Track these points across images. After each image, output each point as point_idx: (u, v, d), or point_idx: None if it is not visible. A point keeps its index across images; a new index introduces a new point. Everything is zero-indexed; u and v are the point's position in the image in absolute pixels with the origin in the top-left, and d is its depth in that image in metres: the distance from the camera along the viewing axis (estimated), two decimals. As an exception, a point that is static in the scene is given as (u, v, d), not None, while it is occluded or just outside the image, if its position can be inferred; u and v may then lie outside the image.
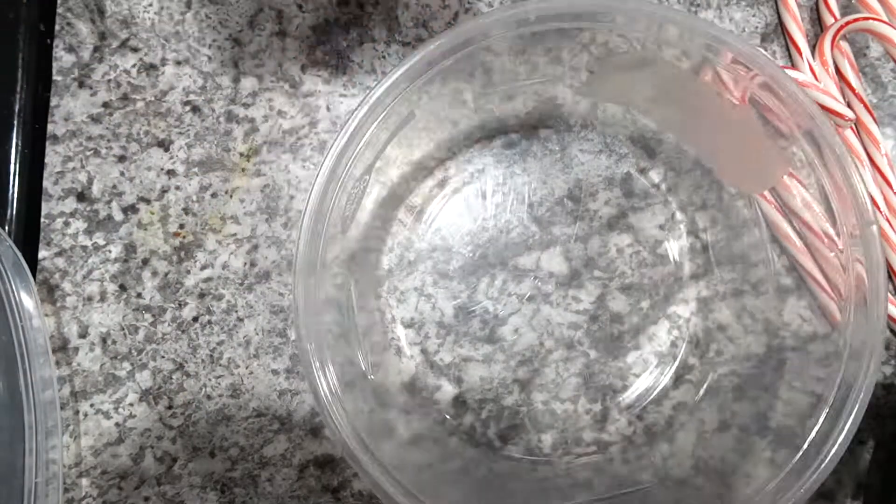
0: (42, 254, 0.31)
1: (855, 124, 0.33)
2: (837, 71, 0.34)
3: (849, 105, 0.34)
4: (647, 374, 0.32)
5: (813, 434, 0.25)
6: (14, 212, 0.31)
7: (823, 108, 0.32)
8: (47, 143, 0.32)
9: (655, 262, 0.33)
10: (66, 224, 0.32)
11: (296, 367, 0.31)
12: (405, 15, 0.33)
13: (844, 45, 0.34)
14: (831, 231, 0.33)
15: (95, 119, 0.32)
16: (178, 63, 0.33)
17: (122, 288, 0.32)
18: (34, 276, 0.31)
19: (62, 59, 0.33)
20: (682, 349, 0.33)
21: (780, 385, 0.33)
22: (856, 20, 0.33)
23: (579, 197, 0.33)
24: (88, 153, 0.32)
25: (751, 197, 0.33)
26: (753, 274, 0.33)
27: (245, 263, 0.32)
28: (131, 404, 0.31)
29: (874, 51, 0.35)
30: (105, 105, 0.33)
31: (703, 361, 0.33)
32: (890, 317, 0.33)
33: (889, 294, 0.33)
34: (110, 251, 0.32)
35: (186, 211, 0.32)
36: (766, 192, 0.33)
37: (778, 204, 0.33)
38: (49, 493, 0.29)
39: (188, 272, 0.32)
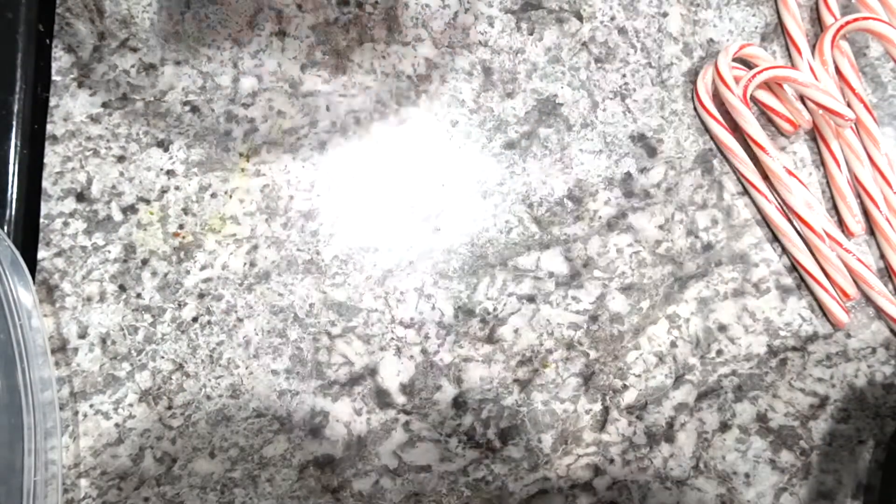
0: (41, 254, 0.31)
1: (855, 124, 0.33)
2: (837, 71, 0.34)
3: (849, 105, 0.34)
4: (647, 374, 0.32)
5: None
6: (13, 212, 0.31)
7: (823, 108, 0.32)
8: (46, 144, 0.32)
9: (655, 262, 0.33)
10: (66, 224, 0.32)
11: (295, 368, 0.31)
12: (405, 15, 0.33)
13: (844, 44, 0.34)
14: (832, 230, 0.33)
15: (95, 119, 0.32)
16: (178, 63, 0.33)
17: (122, 288, 0.32)
18: (33, 276, 0.31)
19: (61, 59, 0.33)
20: (682, 349, 0.33)
21: (780, 385, 0.33)
22: (855, 20, 0.33)
23: (580, 197, 0.33)
24: (88, 153, 0.32)
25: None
26: (753, 274, 0.33)
27: (245, 264, 0.32)
28: (131, 405, 0.31)
29: (874, 50, 0.35)
30: (104, 105, 0.32)
31: (703, 361, 0.33)
32: (889, 317, 0.33)
33: (889, 294, 0.33)
34: (109, 251, 0.32)
35: (186, 211, 0.32)
36: (767, 192, 0.33)
37: (778, 203, 0.33)
38: (48, 494, 0.29)
39: (188, 272, 0.32)
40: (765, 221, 0.33)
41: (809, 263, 0.33)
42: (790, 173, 0.33)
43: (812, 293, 0.33)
